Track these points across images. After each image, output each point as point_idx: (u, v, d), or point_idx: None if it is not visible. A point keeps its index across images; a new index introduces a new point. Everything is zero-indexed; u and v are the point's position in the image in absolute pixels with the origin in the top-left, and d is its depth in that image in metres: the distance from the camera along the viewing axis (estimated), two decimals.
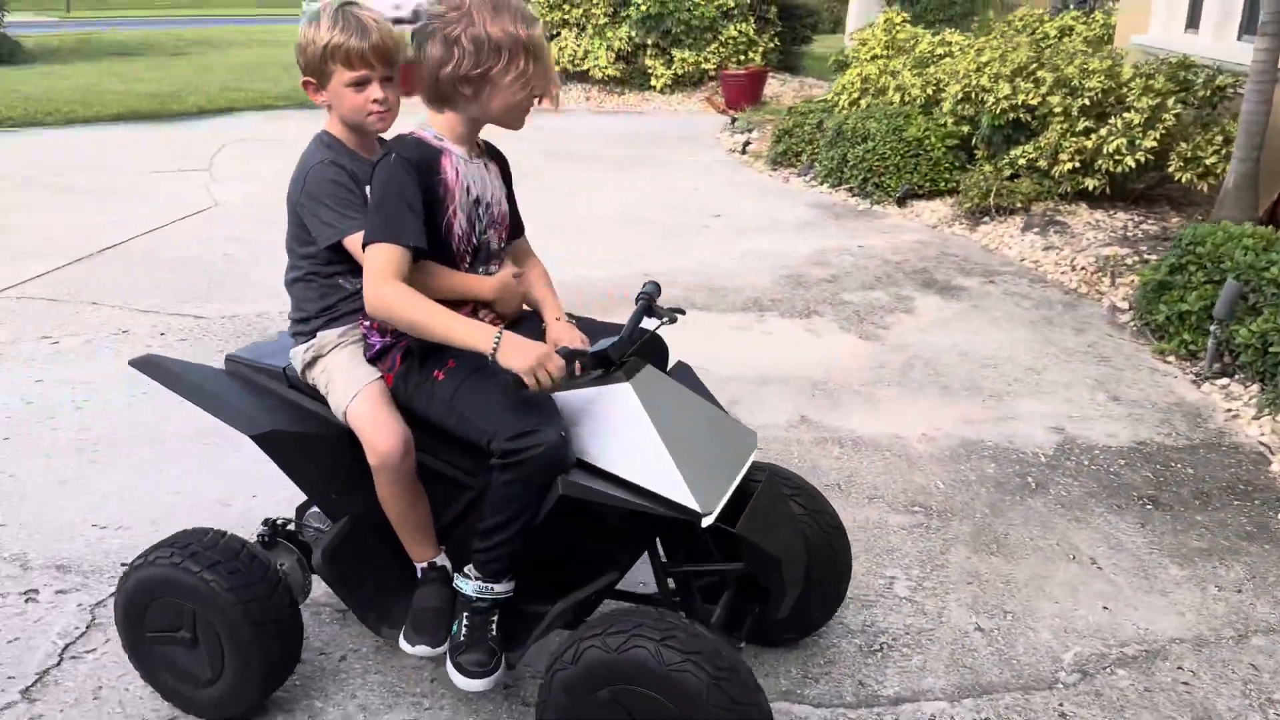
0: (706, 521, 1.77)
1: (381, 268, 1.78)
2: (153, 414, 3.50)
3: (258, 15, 34.72)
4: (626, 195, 7.30)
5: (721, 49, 12.17)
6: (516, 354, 1.72)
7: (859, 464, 3.29)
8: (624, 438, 1.81)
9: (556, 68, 12.02)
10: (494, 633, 1.91)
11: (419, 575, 2.03)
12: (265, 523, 2.27)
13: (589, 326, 2.11)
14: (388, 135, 2.07)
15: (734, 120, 10.41)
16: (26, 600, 2.49)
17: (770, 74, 12.43)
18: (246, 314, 4.67)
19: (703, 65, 12.18)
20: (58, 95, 11.73)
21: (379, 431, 1.90)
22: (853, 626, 2.45)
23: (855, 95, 8.14)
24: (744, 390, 3.84)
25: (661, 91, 12.29)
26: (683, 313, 2.09)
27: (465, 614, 1.91)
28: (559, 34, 12.35)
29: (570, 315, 2.13)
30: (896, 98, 7.55)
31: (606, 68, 12.18)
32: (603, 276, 5.20)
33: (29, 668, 2.25)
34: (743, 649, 2.05)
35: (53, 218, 6.38)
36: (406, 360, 1.93)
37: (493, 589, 1.89)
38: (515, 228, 2.13)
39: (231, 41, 21.25)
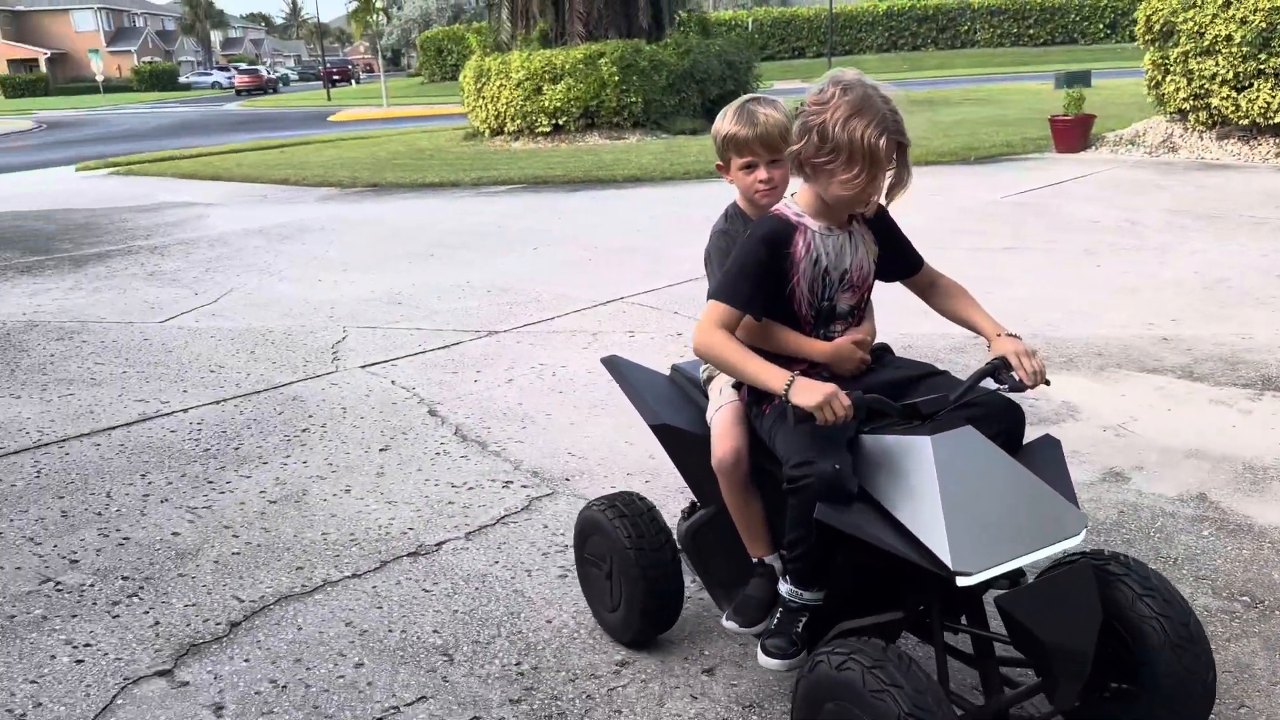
0: (961, 581, 1.87)
1: (712, 318, 2.19)
2: None
3: (978, 75, 35.96)
4: None
5: None
6: (806, 393, 1.99)
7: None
8: (907, 484, 1.97)
9: (1245, 120, 10.89)
10: (799, 629, 2.22)
11: (754, 567, 2.41)
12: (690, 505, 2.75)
13: (950, 382, 2.23)
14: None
15: None
16: (503, 486, 3.76)
17: None
18: None
19: None
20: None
21: (719, 441, 2.34)
22: None
23: None
24: None
25: None
26: (1038, 384, 2.15)
27: (780, 609, 2.27)
28: (1252, 84, 11.06)
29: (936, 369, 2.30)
30: None
31: None
32: None
33: (476, 522, 3.48)
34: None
35: (697, 250, 8.16)
36: (752, 392, 2.30)
37: (801, 594, 2.21)
38: (908, 267, 2.41)
39: (951, 101, 22.70)
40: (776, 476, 2.16)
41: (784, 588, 2.24)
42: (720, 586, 2.51)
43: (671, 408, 2.61)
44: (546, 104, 17.63)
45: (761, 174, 2.43)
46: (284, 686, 2.57)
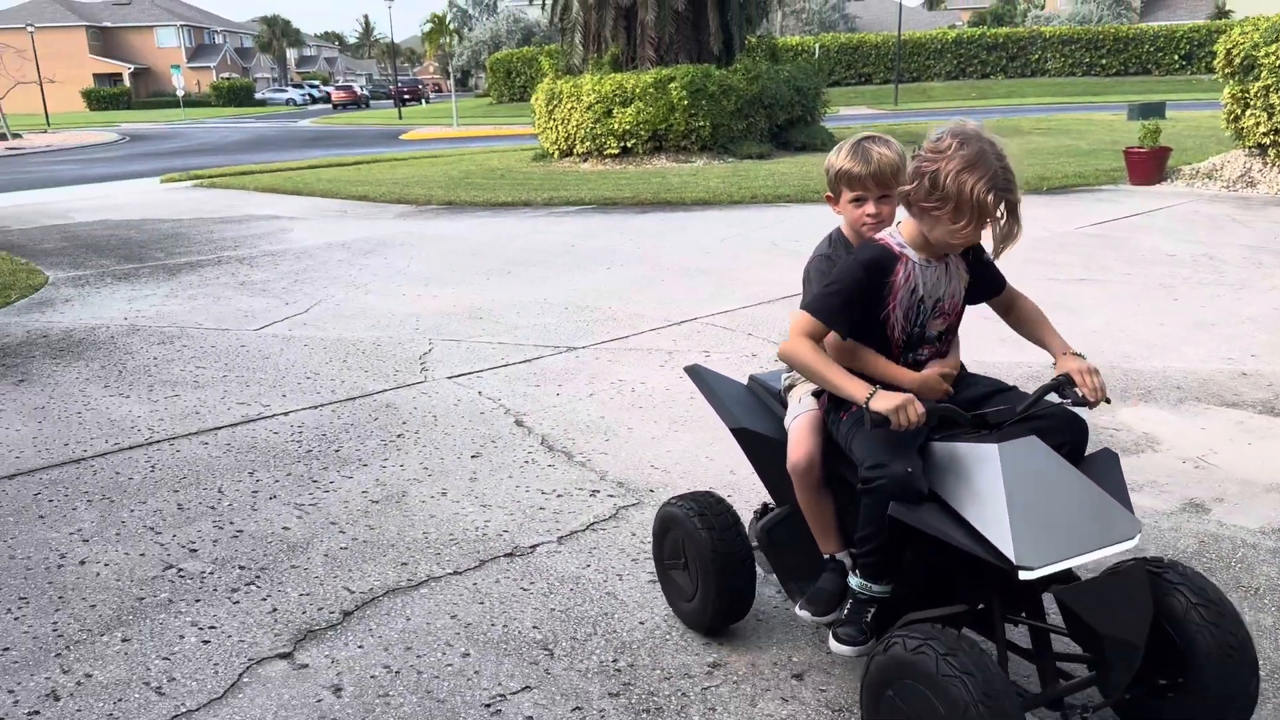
0: (1024, 575, 2.04)
1: (801, 327, 2.36)
2: None
3: (1075, 103, 35.64)
4: None
5: None
6: (884, 401, 2.17)
7: None
8: (975, 487, 2.14)
9: None
10: (869, 619, 2.38)
11: (825, 562, 2.57)
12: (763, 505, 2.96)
13: (1018, 396, 2.40)
14: None
15: None
16: (590, 494, 3.92)
17: None
18: None
19: None
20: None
21: (796, 446, 2.53)
22: None
23: None
24: None
25: None
26: (1100, 402, 2.31)
27: (850, 600, 2.43)
28: None
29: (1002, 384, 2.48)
30: None
31: None
32: None
33: (567, 527, 3.63)
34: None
35: (769, 274, 8.28)
36: (832, 399, 2.48)
37: (870, 587, 2.37)
38: (991, 289, 2.54)
39: (1021, 130, 22.57)
40: (848, 479, 2.38)
41: (854, 581, 2.41)
42: (793, 580, 2.70)
43: (751, 414, 2.81)
44: (616, 127, 17.92)
45: (870, 209, 2.57)
46: (397, 672, 2.74)
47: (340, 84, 77.80)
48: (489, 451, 4.42)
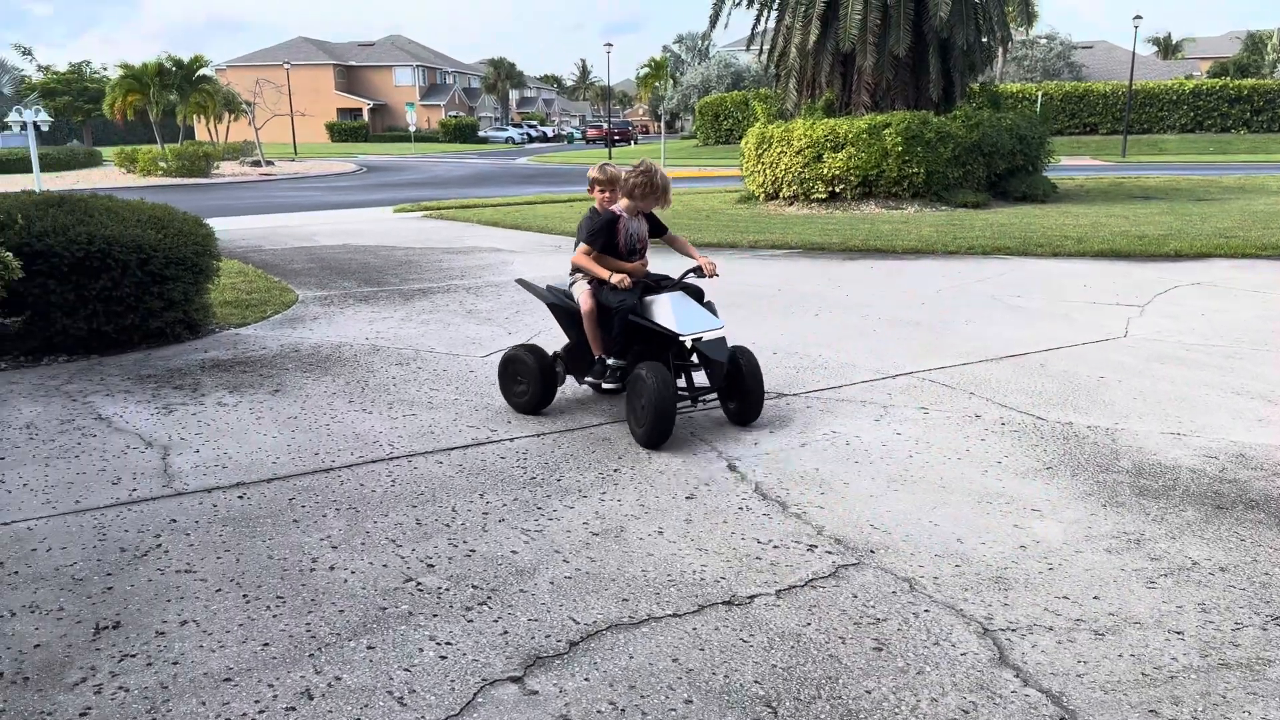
0: (684, 339, 5.13)
1: (583, 248, 5.37)
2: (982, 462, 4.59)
3: None
4: None
5: None
6: (617, 277, 5.18)
7: None
8: (660, 308, 5.20)
9: None
10: (616, 376, 5.36)
11: (597, 361, 5.44)
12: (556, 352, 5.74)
13: (663, 280, 5.45)
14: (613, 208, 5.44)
15: None
16: (808, 549, 3.84)
17: None
18: (1103, 426, 5.41)
19: None
20: (1057, 231, 13.66)
21: (584, 302, 5.36)
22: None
23: None
24: None
25: None
26: (713, 275, 5.41)
27: (607, 370, 5.38)
28: None
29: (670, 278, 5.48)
30: None
31: None
32: None
33: (784, 581, 3.57)
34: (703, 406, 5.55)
35: (990, 329, 7.95)
36: (596, 279, 5.32)
37: (615, 361, 5.36)
38: (658, 231, 5.62)
39: (1269, 189, 20.84)
40: (609, 313, 5.29)
41: (610, 361, 5.37)
42: (582, 373, 5.65)
43: (556, 298, 5.71)
44: (825, 171, 17.81)
45: (607, 196, 5.53)
46: (622, 710, 2.77)
47: (591, 121, 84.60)
48: (703, 494, 4.43)
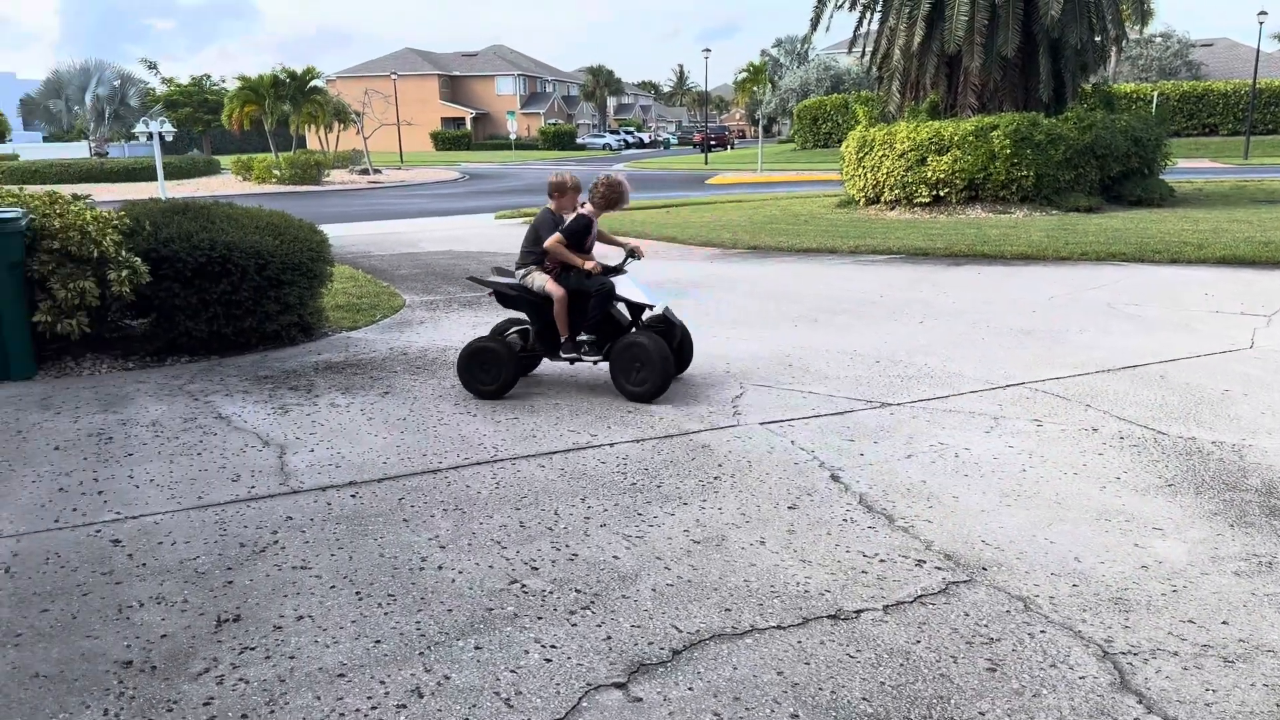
0: (656, 308, 6.20)
1: (559, 239, 6.07)
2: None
3: None
4: None
5: None
6: (593, 266, 6.06)
7: None
8: (630, 287, 6.18)
9: None
10: (587, 349, 6.18)
11: (565, 340, 6.20)
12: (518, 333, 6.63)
13: (622, 267, 6.33)
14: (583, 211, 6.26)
15: None
16: (915, 564, 3.75)
17: None
18: (1229, 442, 5.15)
19: None
20: (1175, 236, 13.06)
21: (555, 290, 6.11)
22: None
23: None
24: None
25: None
26: (641, 256, 6.66)
27: (584, 346, 6.18)
28: None
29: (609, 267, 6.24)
30: None
31: None
32: None
33: (892, 596, 3.49)
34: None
35: (1106, 339, 7.65)
36: (563, 266, 6.17)
37: (589, 336, 6.16)
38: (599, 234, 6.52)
39: None
40: (585, 296, 6.16)
41: (584, 335, 6.14)
42: (549, 351, 6.33)
43: (509, 287, 6.37)
44: (929, 175, 17.43)
45: (577, 201, 6.33)
46: None
47: (699, 129, 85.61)
48: (805, 505, 4.37)
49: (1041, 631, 3.24)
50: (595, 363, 6.33)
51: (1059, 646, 3.15)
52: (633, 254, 6.51)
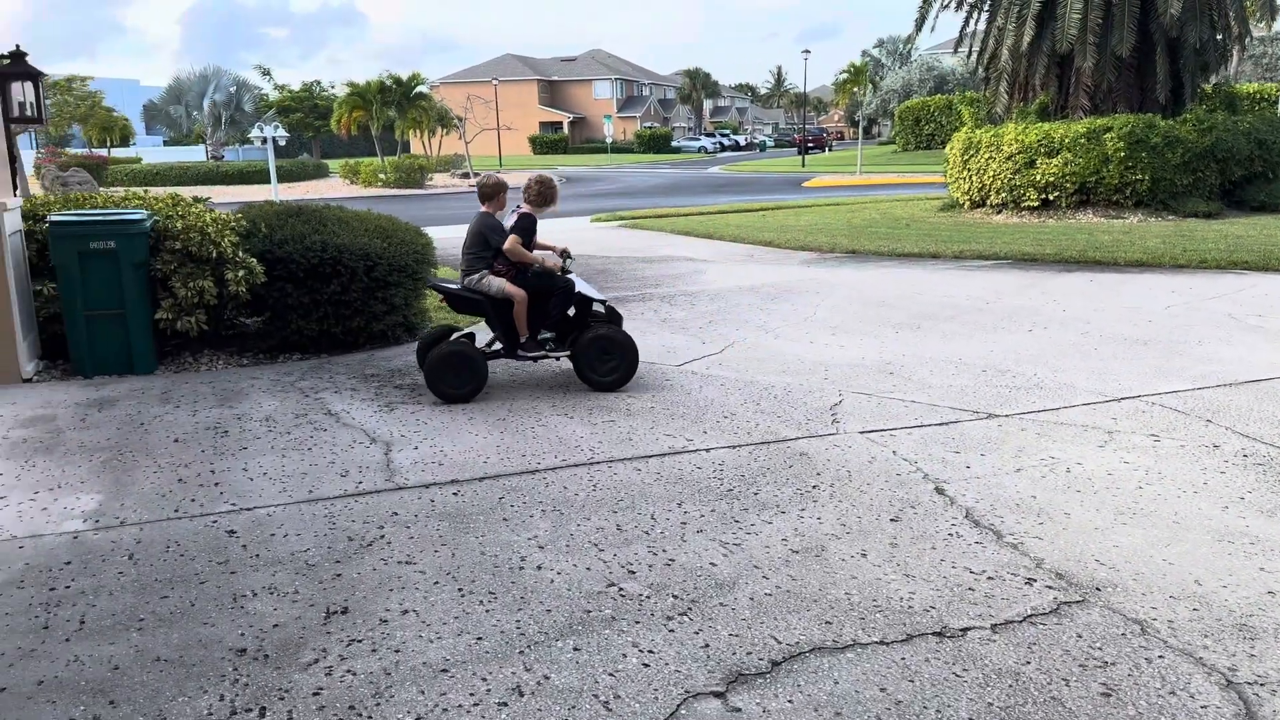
0: (601, 305, 6.62)
1: (518, 241, 6.28)
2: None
3: None
4: None
5: None
6: (549, 263, 6.38)
7: None
8: (582, 284, 6.52)
9: None
10: (550, 347, 6.46)
11: (523, 340, 6.43)
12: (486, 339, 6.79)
13: (568, 266, 6.56)
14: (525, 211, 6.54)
15: None
16: (1025, 582, 3.62)
17: None
18: None
19: None
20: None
21: (514, 293, 6.29)
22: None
23: None
24: None
25: None
26: (570, 258, 6.59)
27: (546, 342, 6.46)
28: None
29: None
30: None
31: None
32: None
33: (1001, 615, 3.38)
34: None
35: (1228, 351, 7.28)
36: (519, 266, 6.37)
37: (549, 333, 6.45)
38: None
39: None
40: (548, 295, 6.45)
41: (543, 335, 6.46)
42: (513, 349, 6.45)
43: (466, 294, 6.43)
44: (1038, 178, 16.88)
45: (504, 202, 6.62)
46: None
47: (797, 130, 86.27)
48: (908, 517, 4.27)
49: (1160, 657, 3.09)
50: (558, 359, 6.68)
51: (1179, 673, 3.00)
52: (565, 254, 6.60)
